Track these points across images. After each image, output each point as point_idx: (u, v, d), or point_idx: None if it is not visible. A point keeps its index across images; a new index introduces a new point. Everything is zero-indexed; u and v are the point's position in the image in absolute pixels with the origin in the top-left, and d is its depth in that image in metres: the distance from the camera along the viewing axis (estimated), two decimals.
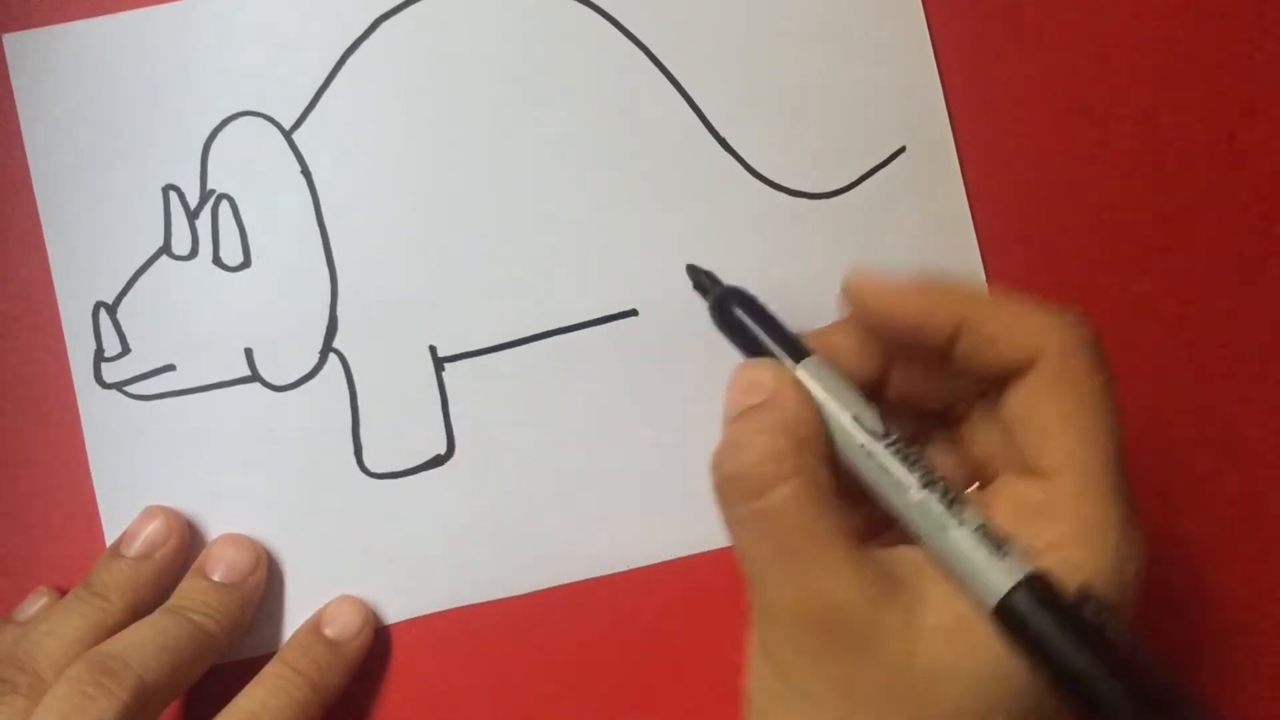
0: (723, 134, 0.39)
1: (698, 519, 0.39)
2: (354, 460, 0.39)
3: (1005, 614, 0.26)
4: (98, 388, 0.38)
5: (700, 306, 0.39)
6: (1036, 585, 0.26)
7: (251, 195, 0.39)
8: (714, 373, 0.39)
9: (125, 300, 0.39)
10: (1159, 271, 0.40)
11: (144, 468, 0.38)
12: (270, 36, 0.39)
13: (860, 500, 0.29)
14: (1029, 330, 0.28)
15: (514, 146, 0.39)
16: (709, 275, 0.33)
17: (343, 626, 0.38)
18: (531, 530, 0.39)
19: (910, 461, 0.28)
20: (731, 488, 0.29)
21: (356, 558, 0.39)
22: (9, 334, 0.39)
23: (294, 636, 0.38)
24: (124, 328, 0.39)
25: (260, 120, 0.39)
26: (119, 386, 0.38)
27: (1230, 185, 0.40)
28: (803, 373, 0.29)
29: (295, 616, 0.38)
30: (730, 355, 0.32)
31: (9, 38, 0.39)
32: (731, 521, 0.29)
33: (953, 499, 0.27)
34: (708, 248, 0.39)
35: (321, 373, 0.39)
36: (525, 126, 0.39)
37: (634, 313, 0.39)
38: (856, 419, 0.28)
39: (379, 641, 0.39)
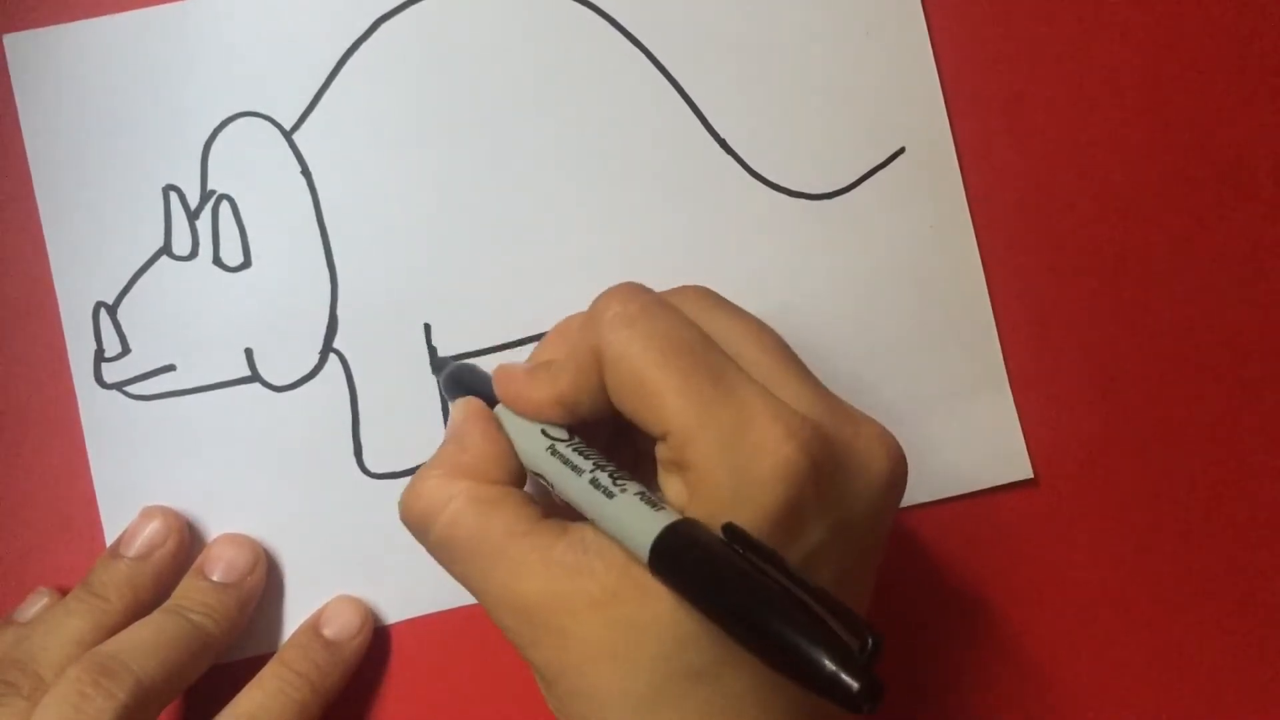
0: (722, 134, 0.39)
1: None
2: (354, 460, 0.39)
3: (656, 563, 0.27)
4: (98, 388, 0.38)
5: None
6: (676, 531, 0.27)
7: (252, 196, 0.39)
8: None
9: (125, 300, 0.39)
10: (1159, 270, 0.40)
11: (144, 468, 0.38)
12: (270, 37, 0.39)
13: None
14: (581, 355, 0.30)
15: (514, 147, 0.39)
16: (440, 361, 0.39)
17: (341, 627, 0.38)
18: None
19: (584, 454, 0.31)
20: (411, 530, 0.32)
21: (356, 558, 0.39)
22: (9, 334, 0.39)
23: (293, 637, 0.38)
24: (124, 328, 0.39)
25: (260, 121, 0.39)
26: (119, 386, 0.38)
27: (1232, 184, 0.40)
28: (497, 413, 0.33)
29: (295, 616, 0.38)
30: None
31: (9, 38, 0.39)
32: (432, 555, 0.32)
33: (616, 477, 0.29)
34: (707, 248, 0.39)
35: (321, 373, 0.39)
36: (525, 127, 0.39)
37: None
38: (544, 429, 0.32)
39: (378, 642, 0.39)
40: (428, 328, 0.39)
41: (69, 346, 0.39)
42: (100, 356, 0.38)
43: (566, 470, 0.30)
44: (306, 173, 0.39)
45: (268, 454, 0.39)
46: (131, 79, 0.39)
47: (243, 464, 0.39)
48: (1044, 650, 0.40)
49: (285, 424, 0.39)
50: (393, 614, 0.39)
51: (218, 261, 0.39)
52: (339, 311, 0.39)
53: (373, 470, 0.39)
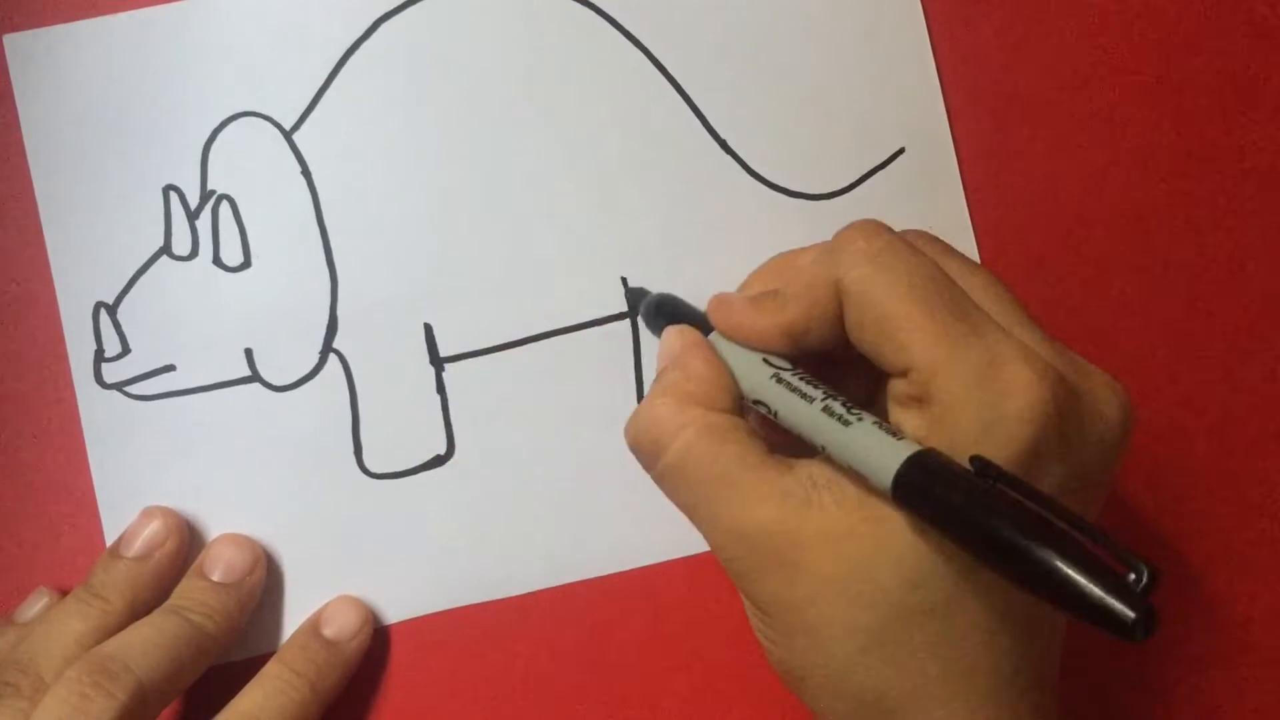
0: (722, 135, 0.39)
1: None
2: (354, 460, 0.39)
3: (901, 492, 0.27)
4: (98, 388, 0.38)
5: (702, 305, 0.39)
6: (925, 460, 0.27)
7: (252, 196, 0.39)
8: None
9: (125, 300, 0.39)
10: (1159, 269, 0.40)
11: (144, 468, 0.38)
12: (270, 37, 0.39)
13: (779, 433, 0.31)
14: (819, 285, 0.30)
15: (514, 147, 0.39)
16: (637, 290, 0.38)
17: (341, 627, 0.38)
18: (530, 531, 0.39)
19: (812, 383, 0.30)
20: (639, 456, 0.32)
21: (356, 558, 0.39)
22: (9, 334, 0.39)
23: (293, 637, 0.38)
24: (124, 328, 0.39)
25: (260, 120, 0.39)
26: (119, 387, 0.38)
27: (1233, 183, 0.40)
28: (712, 335, 0.33)
29: (295, 616, 0.38)
30: None
31: (9, 38, 0.39)
32: (657, 483, 0.32)
33: (850, 406, 0.29)
34: (707, 249, 0.39)
35: (321, 373, 0.39)
36: (525, 127, 0.39)
37: (634, 313, 0.39)
38: (765, 358, 0.31)
39: (378, 642, 0.39)
40: (428, 327, 0.39)
41: (69, 346, 0.39)
42: (100, 356, 0.38)
43: (795, 398, 0.30)
44: (306, 173, 0.39)
45: (268, 454, 0.39)
46: (131, 79, 0.39)
47: (243, 464, 0.39)
48: None
49: (285, 424, 0.39)
50: (393, 614, 0.39)
51: (218, 261, 0.39)
52: (339, 311, 0.39)
53: (372, 470, 0.39)
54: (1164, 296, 0.40)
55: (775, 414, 0.31)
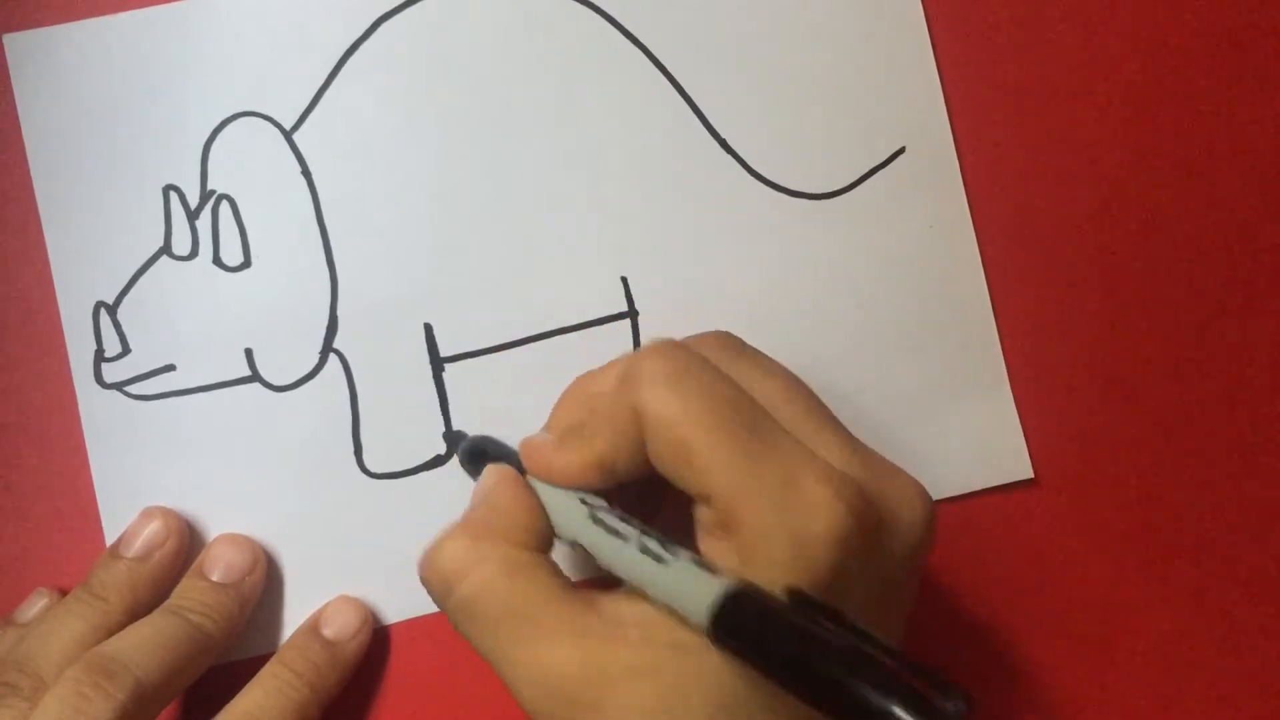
0: (723, 134, 0.39)
1: None
2: (354, 460, 0.39)
3: (718, 631, 0.27)
4: (98, 388, 0.38)
5: (699, 312, 0.39)
6: (739, 597, 0.27)
7: (252, 196, 0.39)
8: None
9: (125, 300, 0.39)
10: (1160, 269, 0.40)
11: (144, 468, 0.38)
12: (270, 37, 0.39)
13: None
14: (617, 417, 0.30)
15: (514, 147, 0.39)
16: (455, 435, 0.38)
17: (341, 627, 0.38)
18: None
19: (627, 520, 0.30)
20: (430, 590, 0.31)
21: (356, 558, 0.39)
22: (9, 334, 0.39)
23: (292, 638, 0.38)
24: (124, 328, 0.38)
25: (260, 120, 0.39)
26: (119, 386, 0.38)
27: (1231, 186, 0.40)
28: (529, 476, 0.33)
29: (294, 616, 0.38)
30: None
31: (9, 38, 0.39)
32: (450, 621, 0.31)
33: (665, 543, 0.29)
34: (707, 248, 0.39)
35: (321, 373, 0.39)
36: (525, 127, 0.39)
37: (635, 313, 0.39)
38: (581, 498, 0.31)
39: (377, 642, 0.39)
40: (428, 327, 0.39)
41: (69, 346, 0.38)
42: (100, 356, 0.38)
43: (610, 538, 0.30)
44: (306, 173, 0.39)
45: (267, 454, 0.39)
46: (132, 79, 0.39)
47: (242, 464, 0.38)
48: (1044, 650, 0.40)
49: (285, 424, 0.39)
50: (392, 614, 0.39)
51: (218, 261, 0.39)
52: (339, 311, 0.39)
53: (372, 470, 0.39)
54: (1167, 296, 0.40)
55: (593, 553, 0.30)
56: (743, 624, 0.27)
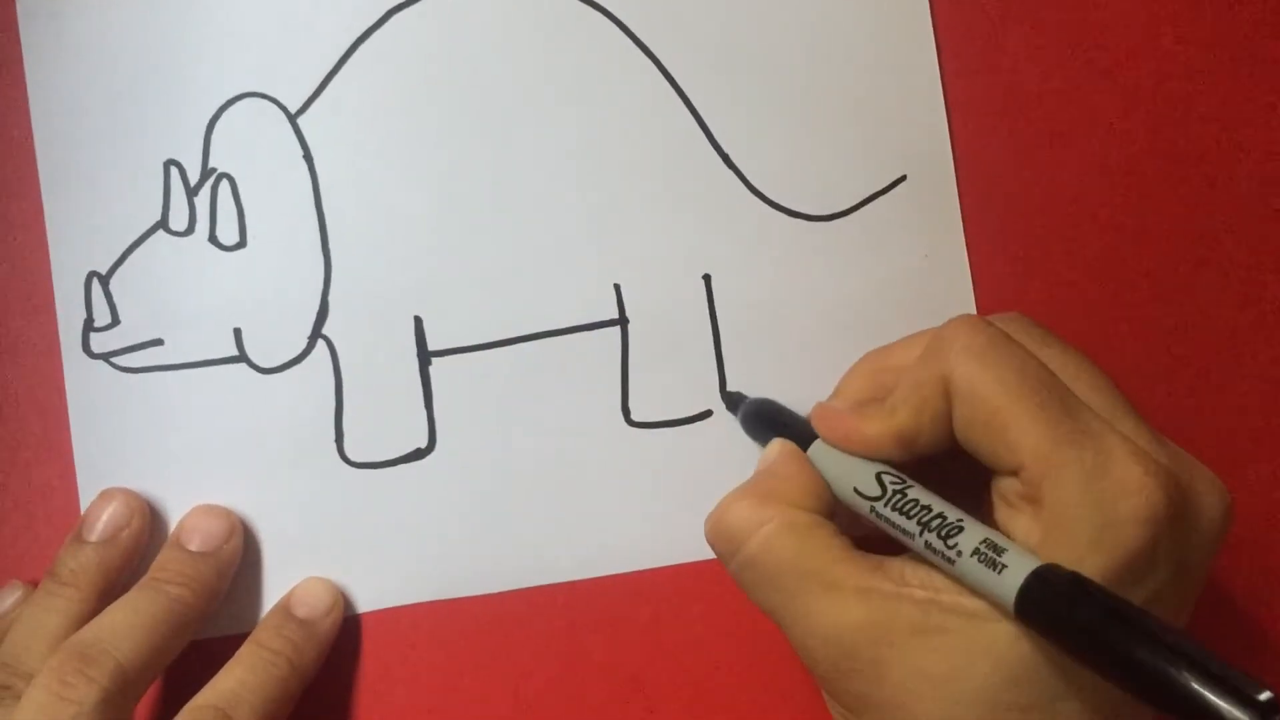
0: (725, 149, 0.39)
1: (674, 531, 0.39)
2: (334, 448, 0.39)
3: (1025, 608, 0.27)
4: (85, 357, 0.39)
5: (690, 318, 0.39)
6: (1048, 576, 0.27)
7: (252, 176, 0.39)
8: (701, 386, 0.39)
9: (118, 272, 0.39)
10: (1153, 316, 0.40)
11: (125, 440, 0.39)
12: (282, 19, 0.39)
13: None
14: (927, 387, 0.30)
15: (516, 147, 0.39)
16: (735, 395, 0.38)
17: (313, 606, 0.38)
18: (507, 531, 0.39)
19: (909, 512, 0.30)
20: (717, 551, 0.32)
21: (333, 544, 0.39)
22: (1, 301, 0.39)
23: (265, 619, 0.38)
24: (115, 299, 0.39)
25: (266, 102, 0.39)
26: (106, 357, 0.39)
27: (1234, 222, 0.40)
28: (812, 453, 0.33)
29: (272, 596, 0.39)
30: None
31: (23, 4, 0.39)
32: (735, 580, 0.32)
33: (950, 531, 0.29)
34: (702, 262, 0.39)
35: (309, 358, 0.39)
36: (529, 128, 0.39)
37: (626, 320, 0.39)
38: (856, 489, 0.31)
39: (350, 630, 0.39)
40: (418, 320, 0.39)
41: (59, 314, 0.39)
42: (89, 326, 0.39)
43: (904, 514, 0.30)
44: (308, 157, 0.39)
45: (249, 435, 0.39)
46: (140, 52, 0.39)
47: (223, 443, 0.39)
48: None
49: (268, 406, 0.39)
50: (366, 603, 0.39)
51: (213, 239, 0.39)
52: (330, 297, 0.39)
53: (352, 459, 0.39)
54: (1163, 334, 0.40)
55: (889, 525, 0.30)
56: (1050, 603, 0.26)
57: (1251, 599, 0.40)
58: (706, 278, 0.39)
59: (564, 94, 0.39)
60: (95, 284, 0.39)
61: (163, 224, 0.39)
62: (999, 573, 0.27)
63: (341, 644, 0.38)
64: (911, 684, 0.28)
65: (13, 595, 0.38)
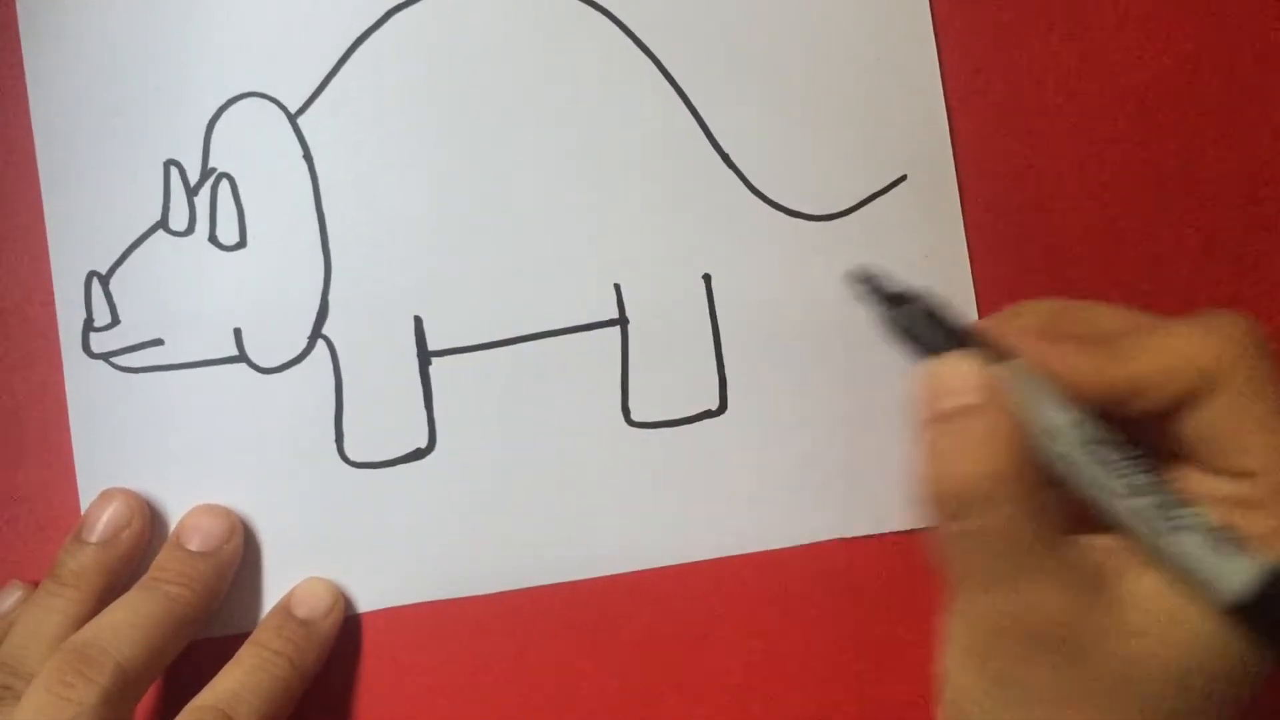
0: (725, 149, 0.39)
1: (674, 531, 0.39)
2: (334, 448, 0.39)
3: (1250, 608, 0.26)
4: (84, 357, 0.39)
5: (690, 318, 0.39)
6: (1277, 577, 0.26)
7: (252, 176, 0.39)
8: (701, 386, 0.39)
9: (118, 272, 0.39)
10: (1155, 310, 0.40)
11: (125, 440, 0.39)
12: (282, 19, 0.39)
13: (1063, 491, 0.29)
14: (1193, 359, 0.28)
15: (517, 147, 0.39)
16: (875, 281, 0.31)
17: (313, 607, 0.38)
18: (507, 531, 0.39)
19: (1128, 466, 0.28)
20: (945, 505, 0.28)
21: (333, 544, 0.39)
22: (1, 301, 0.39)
23: (266, 619, 0.38)
24: (115, 299, 0.39)
25: (266, 102, 0.39)
26: (106, 357, 0.39)
27: (1235, 221, 0.40)
28: (1010, 375, 0.29)
29: (272, 596, 0.39)
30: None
31: (23, 4, 0.39)
32: (940, 532, 0.29)
33: (1174, 500, 0.27)
34: (702, 261, 0.39)
35: (309, 358, 0.39)
36: (529, 127, 0.39)
37: (626, 320, 0.39)
38: (1077, 424, 0.28)
39: (349, 630, 0.39)
40: (418, 320, 0.39)
41: (59, 314, 0.39)
42: (89, 325, 0.39)
43: (1118, 476, 0.28)
44: (308, 157, 0.39)
45: (249, 435, 0.39)
46: (140, 51, 0.39)
47: (223, 443, 0.39)
48: None
49: (268, 406, 0.39)
50: (366, 603, 0.39)
51: (213, 239, 0.39)
52: (330, 297, 0.39)
53: (353, 459, 0.39)
54: None
55: (1082, 484, 0.28)
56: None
57: None
58: (706, 278, 0.39)
59: (564, 94, 0.39)
60: (95, 284, 0.39)
61: (163, 224, 0.39)
62: (1233, 555, 0.26)
63: (341, 644, 0.38)
64: (1102, 683, 0.27)
65: (13, 596, 0.38)
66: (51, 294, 0.39)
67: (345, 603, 0.38)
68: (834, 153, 0.39)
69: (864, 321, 0.39)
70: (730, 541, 0.39)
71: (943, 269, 0.39)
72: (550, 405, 0.39)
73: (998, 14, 0.40)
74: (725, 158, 0.39)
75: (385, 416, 0.39)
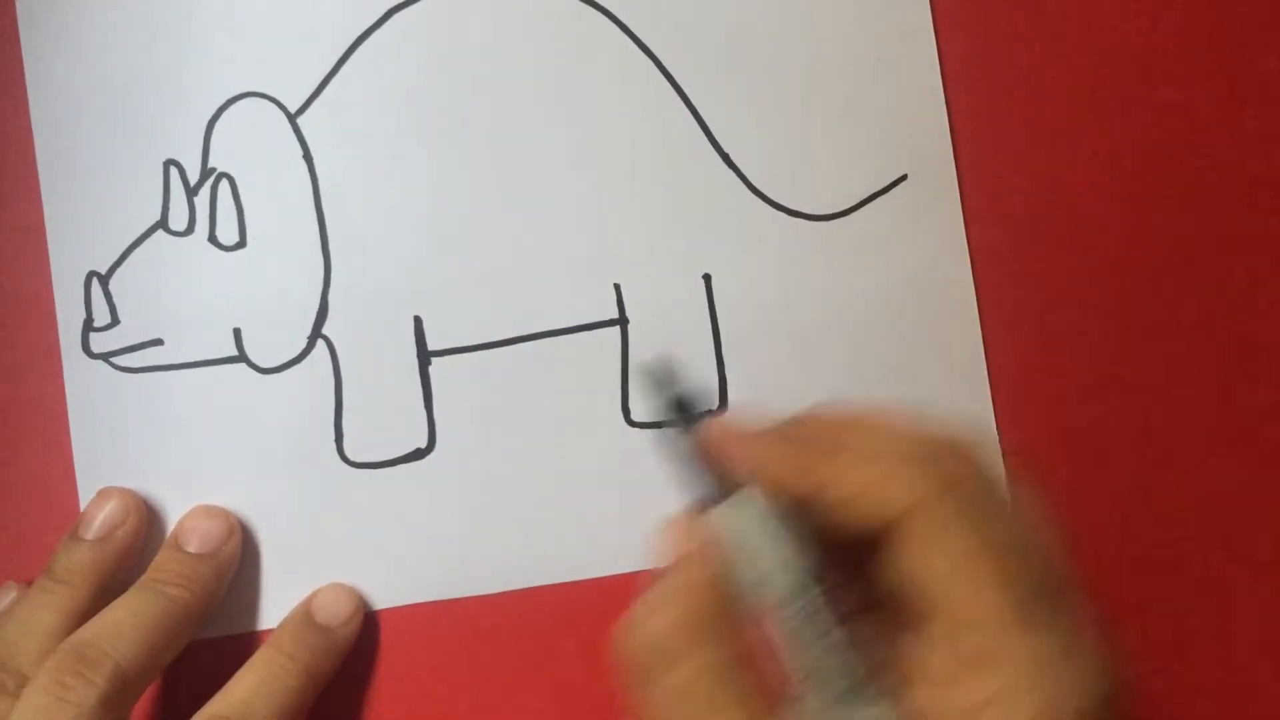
0: (725, 148, 0.39)
1: None
2: (334, 448, 0.39)
3: None
4: (84, 357, 0.39)
5: (690, 318, 0.39)
6: None
7: (252, 176, 0.39)
8: (703, 386, 0.39)
9: (118, 272, 0.39)
10: (1153, 313, 0.40)
11: (124, 440, 0.39)
12: (281, 19, 0.39)
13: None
14: (886, 491, 0.27)
15: (516, 148, 0.39)
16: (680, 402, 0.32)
17: (334, 613, 0.38)
18: (506, 531, 0.39)
19: (824, 621, 0.27)
20: (637, 661, 0.28)
21: (333, 544, 0.39)
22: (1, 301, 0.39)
23: (285, 623, 0.38)
24: (115, 299, 0.39)
25: (265, 102, 0.39)
26: (105, 357, 0.39)
27: (1235, 221, 0.40)
28: (732, 514, 0.28)
29: (272, 596, 0.39)
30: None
31: (23, 4, 0.39)
32: (640, 692, 0.28)
33: (859, 682, 0.27)
34: (702, 261, 0.39)
35: (308, 358, 0.39)
36: (529, 128, 0.39)
37: (626, 320, 0.39)
38: (789, 568, 0.28)
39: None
40: (418, 320, 0.39)
41: (59, 314, 0.39)
42: (89, 326, 0.39)
43: (814, 631, 0.27)
44: (308, 157, 0.39)
45: (249, 435, 0.39)
46: (140, 51, 0.39)
47: (223, 443, 0.39)
48: None
49: (268, 406, 0.39)
50: (367, 604, 0.39)
51: (213, 239, 0.39)
52: (330, 298, 0.39)
53: (352, 459, 0.39)
54: (1159, 336, 0.40)
55: (782, 631, 0.27)
56: None
57: None
58: (706, 278, 0.39)
59: (564, 93, 0.39)
60: (95, 284, 0.39)
61: (163, 224, 0.39)
62: None
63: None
64: None
65: (8, 596, 0.38)
66: (51, 294, 0.39)
67: (365, 607, 0.38)
68: (834, 153, 0.39)
69: (864, 322, 0.39)
70: None
71: (943, 269, 0.39)
72: (550, 405, 0.39)
73: (998, 14, 0.40)
74: (725, 158, 0.39)
75: (385, 416, 0.39)
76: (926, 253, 0.39)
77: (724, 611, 0.27)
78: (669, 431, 0.31)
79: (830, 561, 0.28)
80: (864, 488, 0.27)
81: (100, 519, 0.37)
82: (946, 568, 0.26)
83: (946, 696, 0.26)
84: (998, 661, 0.25)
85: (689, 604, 0.27)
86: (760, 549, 0.28)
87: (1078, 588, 0.27)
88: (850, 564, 0.28)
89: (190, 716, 0.34)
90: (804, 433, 0.29)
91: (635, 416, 0.39)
